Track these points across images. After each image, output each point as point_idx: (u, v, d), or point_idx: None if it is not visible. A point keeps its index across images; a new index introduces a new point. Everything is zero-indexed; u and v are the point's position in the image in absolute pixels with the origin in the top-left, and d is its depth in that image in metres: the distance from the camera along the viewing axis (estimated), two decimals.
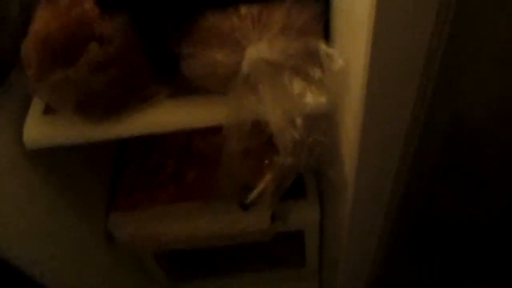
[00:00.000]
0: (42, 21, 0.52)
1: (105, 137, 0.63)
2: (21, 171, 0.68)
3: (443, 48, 0.37)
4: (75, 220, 0.83)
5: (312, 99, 0.53)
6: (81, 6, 0.50)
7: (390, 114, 0.44)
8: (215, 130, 0.61)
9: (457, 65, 0.40)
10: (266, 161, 0.57)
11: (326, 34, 0.55)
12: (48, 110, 0.63)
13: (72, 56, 0.52)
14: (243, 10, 0.52)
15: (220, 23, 0.52)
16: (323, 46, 0.49)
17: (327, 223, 0.91)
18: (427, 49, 0.37)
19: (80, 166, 0.86)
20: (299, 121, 0.54)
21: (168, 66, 0.58)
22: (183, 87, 0.60)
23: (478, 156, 0.48)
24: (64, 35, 0.51)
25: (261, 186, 0.58)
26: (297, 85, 0.53)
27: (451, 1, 0.34)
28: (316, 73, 0.52)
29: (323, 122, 0.54)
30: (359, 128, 0.46)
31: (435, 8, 0.34)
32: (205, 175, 0.93)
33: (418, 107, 0.42)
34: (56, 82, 0.53)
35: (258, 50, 0.52)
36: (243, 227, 0.88)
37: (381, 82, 0.40)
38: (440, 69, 0.38)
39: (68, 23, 0.50)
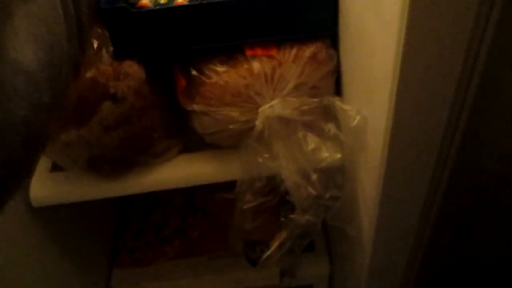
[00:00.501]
0: None
1: (114, 194, 0.62)
2: (25, 227, 0.67)
3: (466, 114, 0.37)
4: (78, 276, 0.80)
5: (328, 154, 0.53)
6: (95, 67, 0.50)
7: (411, 173, 0.44)
8: (220, 184, 0.61)
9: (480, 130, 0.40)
10: (282, 219, 0.56)
11: (337, 87, 0.56)
12: (55, 168, 0.62)
13: (85, 115, 0.52)
14: (256, 67, 0.52)
15: (234, 80, 0.52)
16: (338, 103, 0.49)
17: (338, 276, 0.88)
18: (447, 117, 0.37)
19: (82, 221, 0.84)
20: (314, 176, 0.53)
21: (180, 121, 0.58)
22: (194, 142, 0.60)
23: (499, 213, 0.47)
24: (77, 95, 0.50)
25: (275, 244, 0.57)
26: (311, 141, 0.53)
27: (475, 67, 0.34)
28: (331, 128, 0.52)
29: (338, 178, 0.53)
30: (379, 185, 0.45)
31: (457, 76, 0.35)
32: (210, 230, 0.91)
33: (440, 167, 0.41)
34: (67, 141, 0.53)
35: (272, 107, 0.52)
36: (251, 284, 0.85)
37: (403, 142, 0.40)
38: (463, 134, 0.39)
39: (82, 84, 0.50)
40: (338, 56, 0.54)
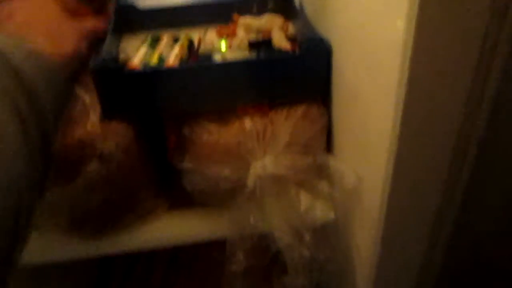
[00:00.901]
0: None
1: (97, 254, 0.58)
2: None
3: (467, 175, 0.37)
4: None
5: (321, 214, 0.52)
6: (84, 128, 0.48)
7: (409, 233, 0.43)
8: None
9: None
10: (274, 280, 0.53)
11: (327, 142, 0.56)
12: (37, 227, 0.59)
13: (69, 174, 0.50)
14: (248, 125, 0.52)
15: (225, 139, 0.51)
16: (332, 163, 0.49)
17: None
18: (446, 177, 0.37)
19: (62, 276, 0.80)
20: (307, 237, 0.51)
21: (168, 179, 0.57)
22: (183, 200, 0.58)
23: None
24: (62, 155, 0.49)
25: None
26: (304, 200, 0.52)
27: (474, 130, 0.34)
28: (324, 187, 0.51)
29: (332, 238, 0.52)
30: (375, 245, 0.44)
31: (453, 143, 0.35)
32: (194, 286, 0.87)
33: (438, 228, 0.41)
34: (50, 201, 0.50)
35: (264, 166, 0.51)
36: None
37: (401, 203, 0.39)
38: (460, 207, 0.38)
39: (69, 144, 0.48)
40: (329, 112, 0.54)
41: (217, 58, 0.53)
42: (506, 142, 0.38)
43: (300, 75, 0.50)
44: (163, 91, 0.50)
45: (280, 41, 0.52)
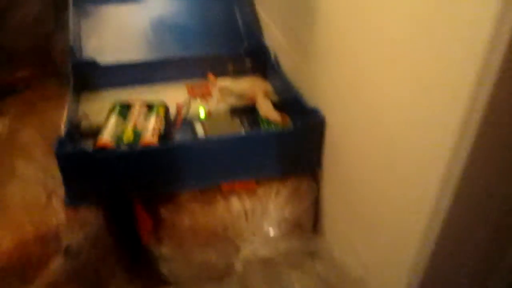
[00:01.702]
0: None
1: None
2: None
3: None
4: None
5: None
6: (45, 217, 0.41)
7: None
8: None
9: None
10: None
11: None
12: None
13: (30, 273, 0.42)
14: (235, 204, 0.47)
15: (209, 221, 0.46)
16: (336, 254, 0.45)
17: None
18: None
19: None
20: None
21: (144, 264, 0.50)
22: (159, 284, 0.52)
23: None
24: (19, 252, 0.41)
25: None
26: (298, 285, 0.48)
27: None
28: (320, 270, 0.47)
29: None
30: None
31: None
32: None
33: None
34: None
35: (254, 249, 0.47)
36: None
37: None
38: None
39: (26, 239, 0.40)
40: (318, 186, 0.51)
41: (199, 129, 0.48)
42: None
43: (294, 149, 0.47)
44: (140, 172, 0.44)
45: (267, 111, 0.48)
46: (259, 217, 0.47)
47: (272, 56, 0.58)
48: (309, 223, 0.51)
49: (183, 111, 0.50)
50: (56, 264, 0.42)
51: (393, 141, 0.34)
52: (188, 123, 0.50)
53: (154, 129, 0.46)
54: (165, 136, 0.46)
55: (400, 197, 0.34)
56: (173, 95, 0.56)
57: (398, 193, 0.34)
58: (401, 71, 0.32)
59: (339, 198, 0.47)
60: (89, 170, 0.42)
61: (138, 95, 0.55)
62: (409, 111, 0.32)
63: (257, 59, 0.59)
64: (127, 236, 0.48)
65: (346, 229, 0.47)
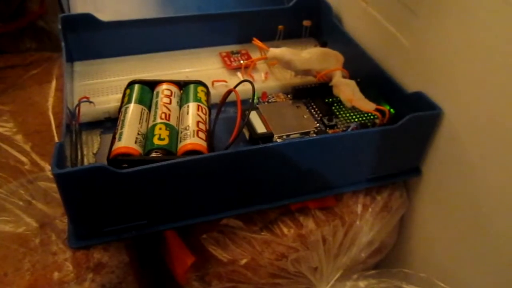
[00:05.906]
0: None
1: None
2: None
3: None
4: None
5: None
6: (47, 269, 0.26)
7: None
8: None
9: None
10: None
11: None
12: None
13: None
14: (310, 230, 0.33)
15: (274, 253, 0.33)
16: None
17: None
18: None
19: None
20: None
21: None
22: None
23: None
24: None
25: None
26: None
27: None
28: None
29: None
30: None
31: None
32: None
33: None
34: None
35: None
36: None
37: None
38: None
39: None
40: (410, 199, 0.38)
41: (256, 122, 0.34)
42: None
43: (398, 150, 0.33)
44: (182, 191, 0.29)
45: (359, 101, 0.34)
46: (340, 244, 0.34)
47: (334, 15, 0.43)
48: (390, 245, 0.39)
49: (248, 102, 0.35)
50: None
51: None
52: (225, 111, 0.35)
53: (198, 123, 0.31)
54: (212, 134, 0.32)
55: None
56: (201, 68, 0.41)
57: None
58: None
59: (447, 220, 0.34)
60: (107, 194, 0.26)
61: (154, 67, 0.40)
62: None
63: (315, 18, 0.43)
64: (157, 277, 0.34)
65: (452, 266, 0.34)
